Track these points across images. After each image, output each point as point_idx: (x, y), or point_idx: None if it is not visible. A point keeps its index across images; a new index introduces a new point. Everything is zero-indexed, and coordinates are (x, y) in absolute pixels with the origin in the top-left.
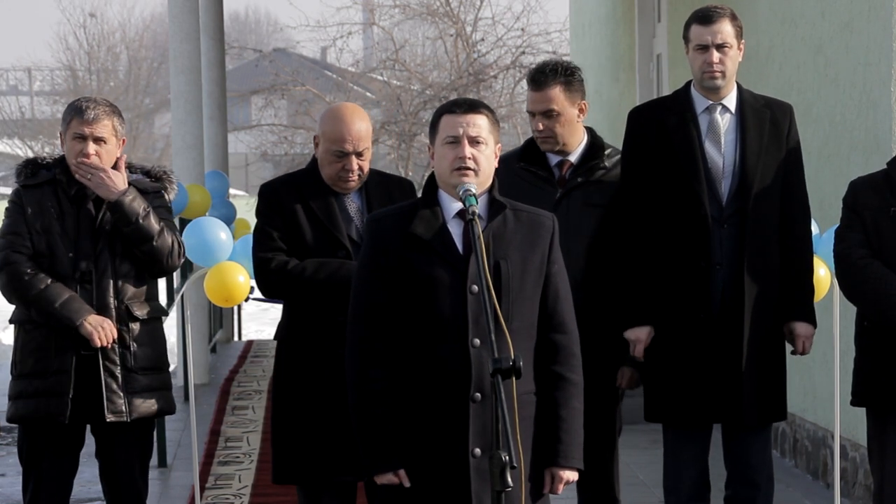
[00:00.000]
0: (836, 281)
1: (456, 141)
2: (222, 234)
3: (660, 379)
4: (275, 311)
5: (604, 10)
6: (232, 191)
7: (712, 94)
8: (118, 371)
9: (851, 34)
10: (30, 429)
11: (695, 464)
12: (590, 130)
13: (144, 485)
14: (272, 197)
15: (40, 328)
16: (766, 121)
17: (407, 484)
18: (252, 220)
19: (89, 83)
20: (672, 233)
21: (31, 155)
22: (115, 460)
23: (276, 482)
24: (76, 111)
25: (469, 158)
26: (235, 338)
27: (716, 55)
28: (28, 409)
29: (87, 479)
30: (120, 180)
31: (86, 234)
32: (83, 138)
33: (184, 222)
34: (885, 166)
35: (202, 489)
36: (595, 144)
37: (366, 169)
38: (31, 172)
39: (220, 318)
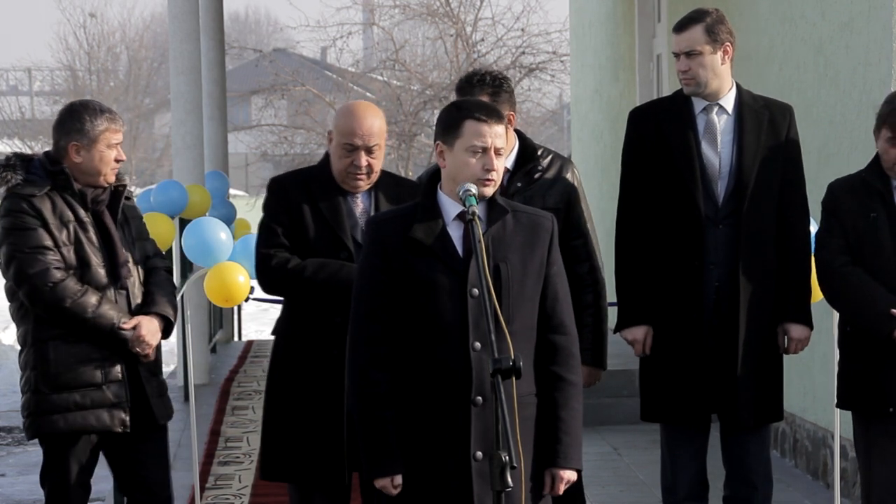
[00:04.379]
0: None
1: (484, 152)
2: (222, 234)
3: (655, 378)
4: (275, 311)
5: (604, 10)
6: (232, 191)
7: (706, 95)
8: (149, 375)
9: (851, 34)
10: (70, 443)
11: (692, 463)
12: (519, 134)
13: None
14: (280, 192)
15: (79, 341)
16: (764, 121)
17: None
18: (252, 220)
19: (89, 83)
20: (667, 232)
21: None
22: (157, 463)
23: (265, 478)
24: (108, 119)
25: (496, 171)
26: (235, 338)
27: (684, 62)
28: (74, 423)
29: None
30: (155, 330)
31: (111, 241)
32: (117, 145)
33: (184, 222)
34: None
35: (202, 489)
36: (527, 147)
37: (376, 168)
38: (24, 179)
39: (220, 319)
